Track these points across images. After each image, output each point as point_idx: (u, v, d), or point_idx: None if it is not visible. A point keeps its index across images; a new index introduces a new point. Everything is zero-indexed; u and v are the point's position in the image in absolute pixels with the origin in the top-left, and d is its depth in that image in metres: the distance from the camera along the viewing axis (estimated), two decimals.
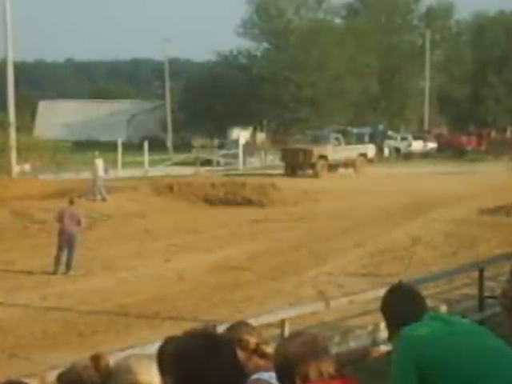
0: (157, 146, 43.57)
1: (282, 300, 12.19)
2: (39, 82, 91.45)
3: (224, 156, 41.73)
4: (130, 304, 12.47)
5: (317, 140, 37.33)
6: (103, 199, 24.50)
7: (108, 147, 36.59)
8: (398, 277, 10.01)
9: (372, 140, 43.57)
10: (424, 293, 4.10)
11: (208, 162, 40.27)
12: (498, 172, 32.36)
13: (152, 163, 37.07)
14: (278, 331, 7.54)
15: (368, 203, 24.23)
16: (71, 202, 15.91)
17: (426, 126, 58.06)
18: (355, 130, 44.99)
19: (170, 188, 26.12)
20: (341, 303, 8.91)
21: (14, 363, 9.58)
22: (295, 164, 35.37)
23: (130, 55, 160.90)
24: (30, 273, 14.84)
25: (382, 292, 3.71)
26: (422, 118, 59.65)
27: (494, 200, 23.26)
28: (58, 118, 62.72)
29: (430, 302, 4.00)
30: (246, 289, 13.49)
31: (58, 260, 14.99)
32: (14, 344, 10.51)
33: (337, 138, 37.56)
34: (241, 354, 2.98)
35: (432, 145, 50.35)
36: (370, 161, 38.28)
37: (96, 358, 3.27)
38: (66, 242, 15.08)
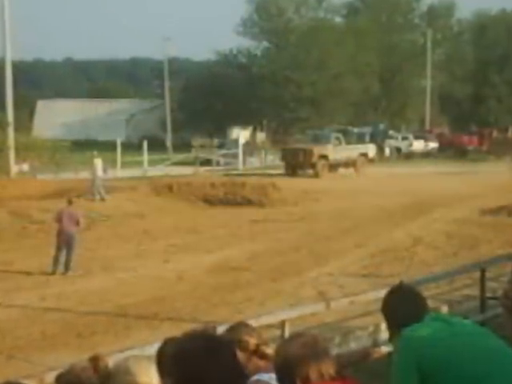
0: (156, 145, 43.62)
1: (282, 301, 12.15)
2: (38, 81, 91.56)
3: (224, 156, 41.74)
4: (129, 305, 12.43)
5: (317, 140, 37.31)
6: (102, 199, 24.47)
7: (107, 147, 36.69)
8: (398, 277, 9.57)
9: (373, 140, 43.53)
10: (425, 293, 4.07)
11: (208, 162, 40.25)
12: (499, 172, 32.34)
13: (151, 163, 37.12)
14: (278, 332, 7.52)
15: (369, 203, 24.22)
16: (70, 202, 15.88)
17: (427, 126, 57.97)
18: (356, 130, 44.95)
19: (170, 188, 26.09)
20: (341, 304, 8.88)
21: (13, 364, 9.55)
22: (295, 164, 35.35)
23: (129, 54, 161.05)
24: (28, 273, 14.79)
25: (382, 293, 3.70)
26: (423, 118, 59.57)
27: (495, 200, 23.24)
28: (56, 117, 62.69)
29: (431, 303, 3.99)
30: (246, 289, 13.44)
31: (56, 260, 14.95)
32: (12, 345, 10.46)
33: (337, 138, 37.52)
34: (241, 355, 2.96)
35: (433, 144, 50.29)
36: (371, 161, 38.27)
37: (95, 360, 3.28)
38: (64, 242, 15.05)
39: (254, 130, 52.78)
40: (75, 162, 31.26)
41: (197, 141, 45.96)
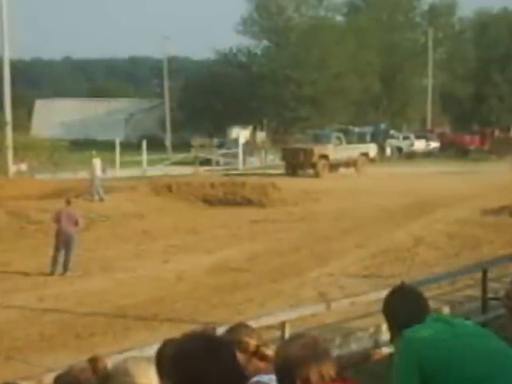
0: (155, 145, 43.65)
1: (282, 302, 12.12)
2: (36, 80, 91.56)
3: (223, 155, 41.73)
4: (128, 306, 12.38)
5: (318, 139, 37.32)
6: (101, 199, 24.48)
7: (106, 146, 36.74)
8: (400, 278, 9.72)
9: (374, 139, 43.59)
10: (426, 294, 4.02)
11: (207, 162, 40.21)
12: (501, 172, 32.47)
13: (150, 163, 37.16)
14: (278, 333, 7.49)
15: (370, 203, 24.20)
16: (68, 202, 15.83)
17: (428, 125, 57.91)
18: (357, 129, 45.01)
19: (169, 188, 26.07)
20: (342, 305, 8.85)
21: (11, 366, 9.52)
22: (296, 164, 35.35)
23: (128, 53, 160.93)
24: (26, 274, 14.75)
25: (383, 293, 3.70)
26: (425, 117, 59.49)
27: (497, 200, 23.16)
28: (55, 116, 62.67)
29: (432, 304, 4.00)
30: (246, 290, 13.41)
31: (55, 261, 14.91)
32: (10, 346, 10.42)
33: (338, 138, 37.53)
34: (240, 356, 2.96)
35: (434, 144, 50.29)
36: (372, 160, 38.32)
37: (93, 361, 3.29)
38: (63, 242, 15.01)
39: (254, 129, 52.76)
40: (74, 161, 31.36)
41: (196, 140, 45.89)
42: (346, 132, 40.19)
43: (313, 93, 55.65)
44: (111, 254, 16.88)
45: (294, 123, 55.53)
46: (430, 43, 58.69)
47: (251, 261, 16.00)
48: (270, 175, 33.26)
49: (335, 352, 7.60)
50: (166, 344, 3.18)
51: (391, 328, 3.48)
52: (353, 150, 36.99)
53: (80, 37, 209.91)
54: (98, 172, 25.64)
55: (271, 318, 7.75)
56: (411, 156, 47.42)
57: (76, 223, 15.18)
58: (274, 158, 42.02)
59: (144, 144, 36.39)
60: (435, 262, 15.39)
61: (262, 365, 3.22)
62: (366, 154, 37.82)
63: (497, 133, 51.69)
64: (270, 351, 3.24)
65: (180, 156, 41.09)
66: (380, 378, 4.88)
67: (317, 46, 56.02)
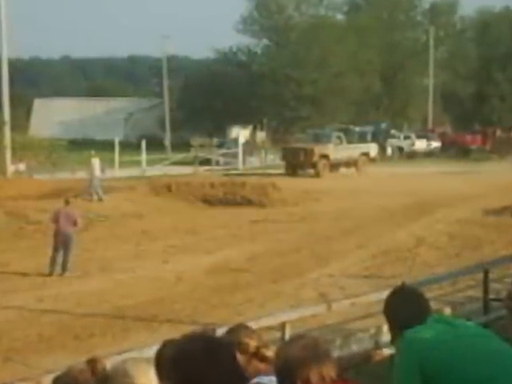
0: (155, 145, 43.67)
1: (282, 302, 12.10)
2: (35, 79, 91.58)
3: (223, 155, 41.72)
4: (127, 306, 12.36)
5: (318, 139, 37.30)
6: (100, 199, 24.49)
7: (105, 146, 36.79)
8: (401, 278, 10.02)
9: (374, 139, 43.63)
10: (428, 295, 4.03)
11: (207, 162, 40.19)
12: (502, 171, 32.68)
13: (150, 163, 37.17)
14: (278, 334, 7.45)
15: (370, 203, 24.19)
16: (67, 203, 15.81)
17: (429, 125, 57.88)
18: (357, 129, 45.07)
19: (168, 188, 26.05)
20: (343, 306, 8.81)
21: (9, 367, 9.49)
22: (296, 163, 35.33)
23: (127, 52, 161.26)
24: (25, 274, 14.72)
25: (384, 294, 3.69)
26: (426, 117, 59.45)
27: (499, 200, 23.18)
28: (53, 116, 62.67)
29: (433, 305, 4.01)
30: (246, 291, 13.37)
31: (53, 261, 14.89)
32: (8, 347, 10.38)
33: (338, 137, 37.52)
34: (240, 357, 2.97)
35: (436, 144, 50.28)
36: (373, 160, 38.32)
37: (92, 362, 3.29)
38: (61, 242, 14.99)
39: (254, 129, 52.73)
40: (72, 161, 31.44)
41: (196, 140, 45.86)
42: (346, 131, 40.21)
43: (313, 92, 55.60)
44: (110, 254, 16.83)
45: (295, 123, 55.48)
46: (431, 42, 58.66)
47: (251, 261, 15.96)
48: (270, 175, 33.27)
49: (336, 353, 7.56)
50: (166, 345, 3.17)
51: (392, 329, 3.47)
52: (353, 150, 36.97)
53: (79, 36, 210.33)
54: (97, 172, 25.64)
55: (271, 318, 7.73)
56: (412, 156, 47.41)
57: (75, 223, 15.15)
58: (274, 158, 42.03)
59: (143, 144, 36.40)
60: (436, 262, 15.35)
61: (262, 366, 3.22)
62: (366, 154, 37.80)
63: (498, 132, 51.78)
64: (270, 352, 3.24)
65: (179, 156, 41.08)
66: (381, 380, 4.84)
67: (317, 44, 55.98)
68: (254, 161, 42.56)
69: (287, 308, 10.39)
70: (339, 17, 65.13)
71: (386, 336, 6.99)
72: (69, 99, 69.96)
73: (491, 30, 63.44)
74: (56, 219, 15.18)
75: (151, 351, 3.83)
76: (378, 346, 8.25)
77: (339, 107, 56.35)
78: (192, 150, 42.69)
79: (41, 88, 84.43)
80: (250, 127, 52.66)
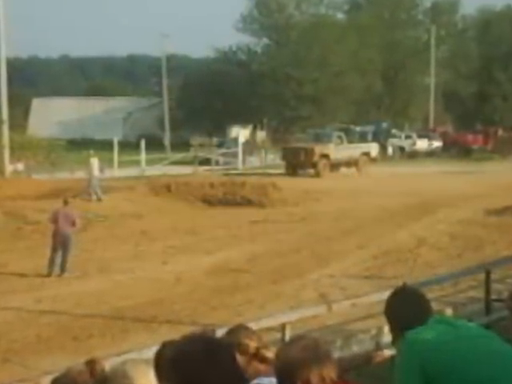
0: (154, 144, 43.70)
1: (282, 303, 12.08)
2: (33, 78, 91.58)
3: (223, 155, 41.71)
4: (126, 307, 12.34)
5: (318, 138, 37.28)
6: (99, 199, 24.47)
7: (104, 146, 36.84)
8: (402, 279, 10.12)
9: (375, 138, 43.64)
10: (429, 296, 4.03)
11: (207, 161, 40.14)
12: (504, 171, 32.79)
13: (149, 162, 37.19)
14: (278, 335, 7.47)
15: (371, 203, 24.18)
16: (65, 203, 15.87)
17: (430, 124, 57.88)
18: (358, 129, 45.06)
19: (168, 188, 26.01)
20: (343, 306, 8.85)
21: (7, 368, 9.49)
22: (296, 163, 35.30)
23: (126, 51, 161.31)
24: (23, 275, 14.70)
25: (385, 295, 3.69)
26: (427, 116, 59.46)
27: (500, 200, 23.19)
28: (52, 115, 62.68)
29: (435, 305, 4.01)
30: (246, 292, 13.37)
31: (52, 262, 14.87)
32: (6, 348, 10.38)
33: (339, 137, 37.51)
34: (240, 358, 2.98)
35: (437, 143, 50.28)
36: (374, 160, 38.33)
37: (91, 363, 3.31)
38: (60, 243, 14.97)
39: (254, 128, 52.71)
40: (71, 161, 31.48)
41: (196, 140, 45.85)
42: (347, 131, 40.19)
43: (313, 91, 55.57)
44: (109, 254, 16.81)
45: (295, 122, 55.45)
46: (433, 41, 58.66)
47: (251, 262, 15.93)
48: (270, 175, 33.27)
49: (336, 354, 7.51)
50: (165, 346, 3.17)
51: (393, 330, 3.46)
52: (354, 150, 36.94)
53: (77, 35, 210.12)
54: (96, 172, 25.60)
55: (271, 319, 7.75)
56: (413, 155, 47.39)
57: (73, 224, 15.13)
58: (274, 158, 42.06)
59: (142, 143, 36.41)
60: (438, 262, 15.31)
61: (262, 367, 3.23)
62: (367, 154, 37.78)
63: (500, 132, 51.80)
64: (270, 353, 3.25)
65: (179, 155, 41.09)
66: (382, 381, 4.82)
67: (318, 43, 55.97)
68: (254, 160, 42.57)
69: (287, 309, 10.35)
70: (340, 16, 65.35)
71: (386, 337, 6.99)
72: (67, 99, 69.97)
73: (493, 29, 63.49)
74: (55, 219, 15.16)
75: (150, 352, 3.84)
76: (378, 347, 8.22)
77: (340, 107, 56.34)
78: (191, 149, 42.71)
79: (39, 87, 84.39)
80: (250, 127, 52.64)
